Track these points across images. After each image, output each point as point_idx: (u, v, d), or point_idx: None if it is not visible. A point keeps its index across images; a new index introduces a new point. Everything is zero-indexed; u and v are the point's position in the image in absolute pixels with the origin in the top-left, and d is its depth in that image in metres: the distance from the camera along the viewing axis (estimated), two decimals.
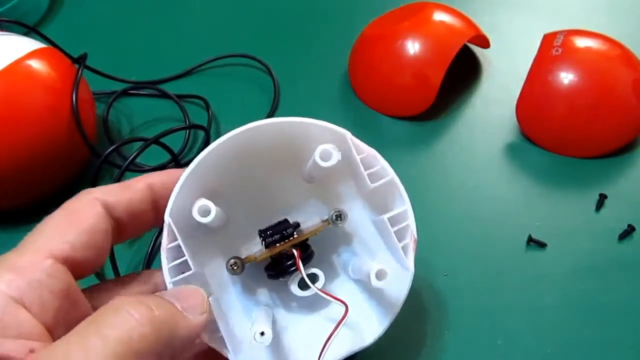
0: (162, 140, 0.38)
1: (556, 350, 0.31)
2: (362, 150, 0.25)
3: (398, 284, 0.25)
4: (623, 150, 0.40)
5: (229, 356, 0.23)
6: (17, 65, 0.35)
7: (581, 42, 0.40)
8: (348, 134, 0.25)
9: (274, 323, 0.25)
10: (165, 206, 0.24)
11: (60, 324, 0.20)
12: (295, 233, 0.25)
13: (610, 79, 0.39)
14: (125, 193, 0.23)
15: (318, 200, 0.27)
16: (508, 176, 0.40)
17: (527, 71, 0.40)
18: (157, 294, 0.21)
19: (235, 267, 0.25)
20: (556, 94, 0.39)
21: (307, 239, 0.25)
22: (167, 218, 0.23)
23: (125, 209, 0.23)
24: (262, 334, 0.22)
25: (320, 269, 0.25)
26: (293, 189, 0.27)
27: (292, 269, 0.25)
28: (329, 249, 0.28)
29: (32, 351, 0.18)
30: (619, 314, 0.33)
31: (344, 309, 0.23)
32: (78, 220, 0.22)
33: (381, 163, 0.25)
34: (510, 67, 0.46)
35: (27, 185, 0.37)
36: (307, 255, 0.25)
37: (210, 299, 0.22)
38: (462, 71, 0.46)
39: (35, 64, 0.36)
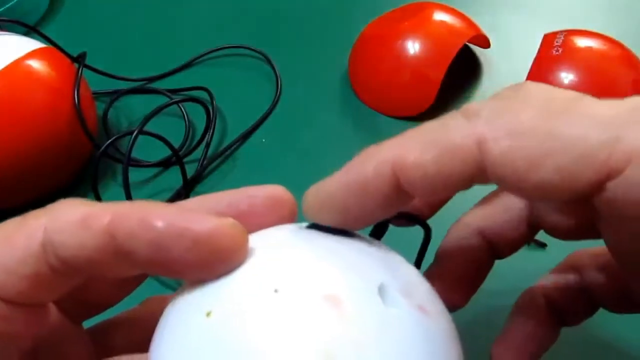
0: (163, 135, 0.38)
1: (555, 350, 0.31)
2: None
3: None
4: None
5: None
6: (17, 65, 0.35)
7: (581, 42, 0.40)
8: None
9: None
10: (138, 264, 0.16)
11: None
12: None
13: (610, 79, 0.39)
14: (78, 232, 0.16)
15: None
16: None
17: (527, 71, 0.40)
18: None
19: None
20: None
21: None
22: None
23: (74, 254, 0.16)
24: None
25: None
26: None
27: None
28: None
29: None
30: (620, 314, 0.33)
31: None
32: (10, 245, 0.16)
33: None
34: (510, 67, 0.46)
35: (27, 185, 0.37)
36: None
37: None
38: (462, 71, 0.46)
39: (35, 64, 0.36)
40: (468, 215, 0.23)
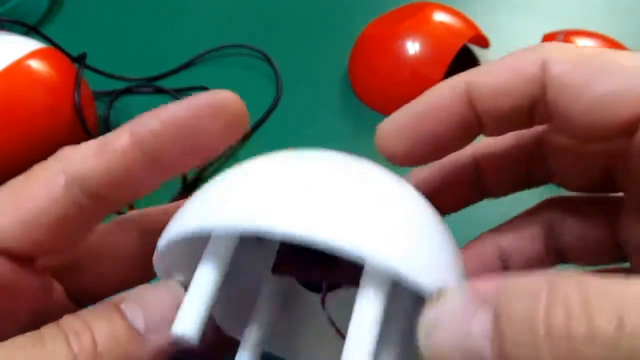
0: None
1: None
2: None
3: None
4: None
5: None
6: (17, 66, 0.35)
7: (581, 42, 0.40)
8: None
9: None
10: (169, 165, 0.17)
11: None
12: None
13: None
14: (101, 158, 0.16)
15: None
16: None
17: None
18: (121, 299, 0.16)
19: None
20: None
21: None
22: (159, 246, 0.16)
23: (102, 181, 0.16)
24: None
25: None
26: None
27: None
28: None
29: None
30: None
31: None
32: (25, 199, 0.16)
33: None
34: None
35: None
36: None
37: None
38: (462, 71, 0.46)
39: (35, 64, 0.36)
40: (488, 233, 0.22)
